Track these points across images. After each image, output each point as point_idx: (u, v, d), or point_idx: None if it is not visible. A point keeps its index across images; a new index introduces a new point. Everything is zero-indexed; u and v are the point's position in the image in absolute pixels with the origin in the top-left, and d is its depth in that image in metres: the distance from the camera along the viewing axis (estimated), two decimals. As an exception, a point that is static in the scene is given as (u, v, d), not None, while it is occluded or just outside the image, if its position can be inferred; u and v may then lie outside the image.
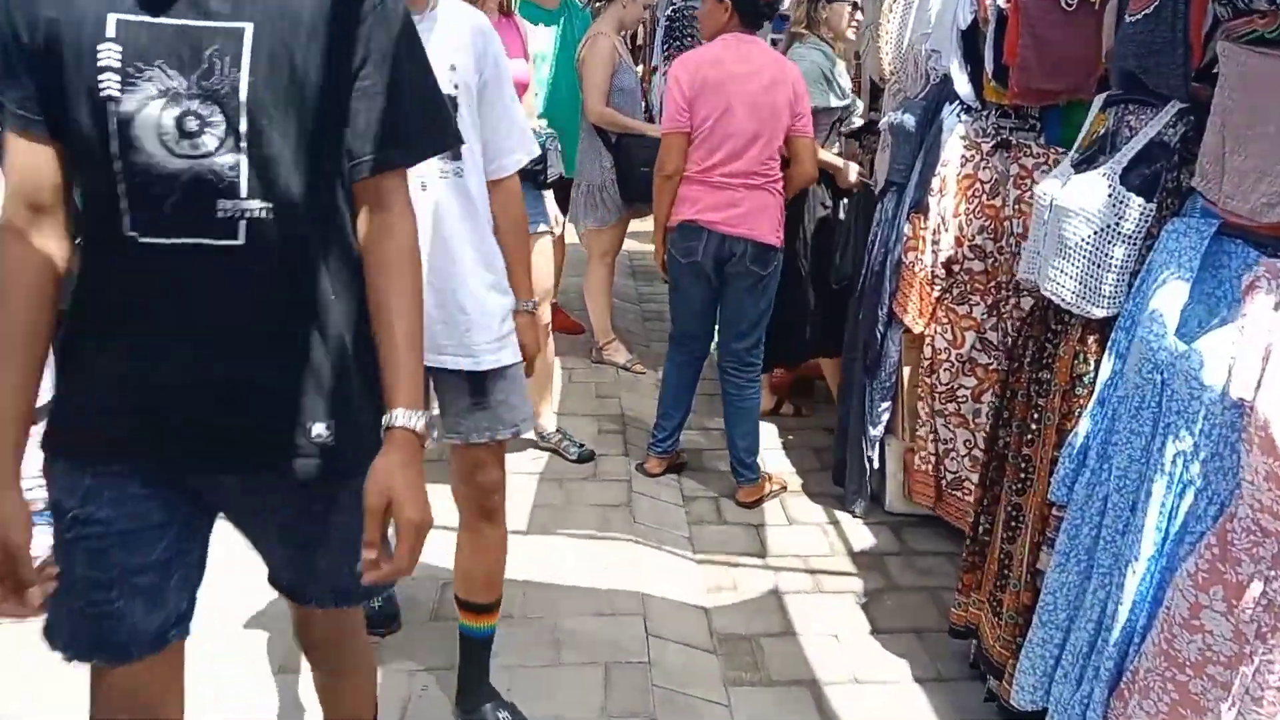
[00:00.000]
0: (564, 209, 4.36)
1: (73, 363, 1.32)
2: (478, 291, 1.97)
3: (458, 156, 1.91)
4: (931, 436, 3.18)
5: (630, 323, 5.32)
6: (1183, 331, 1.83)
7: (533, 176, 2.95)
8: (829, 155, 3.71)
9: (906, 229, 3.12)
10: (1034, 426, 2.21)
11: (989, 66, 2.85)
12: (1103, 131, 2.15)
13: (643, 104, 4.63)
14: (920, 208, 3.08)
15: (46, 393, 1.33)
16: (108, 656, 1.35)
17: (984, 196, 2.96)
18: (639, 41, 7.07)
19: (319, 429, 1.34)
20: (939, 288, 3.10)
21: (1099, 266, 2.01)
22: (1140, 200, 1.97)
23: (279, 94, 1.24)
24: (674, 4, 5.03)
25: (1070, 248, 2.04)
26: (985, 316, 3.04)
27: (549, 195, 3.44)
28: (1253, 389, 1.63)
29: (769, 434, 3.99)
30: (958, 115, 3.01)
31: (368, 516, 1.26)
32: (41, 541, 1.30)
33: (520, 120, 2.06)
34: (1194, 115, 1.95)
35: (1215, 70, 1.86)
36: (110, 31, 1.19)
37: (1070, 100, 2.72)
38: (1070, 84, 2.63)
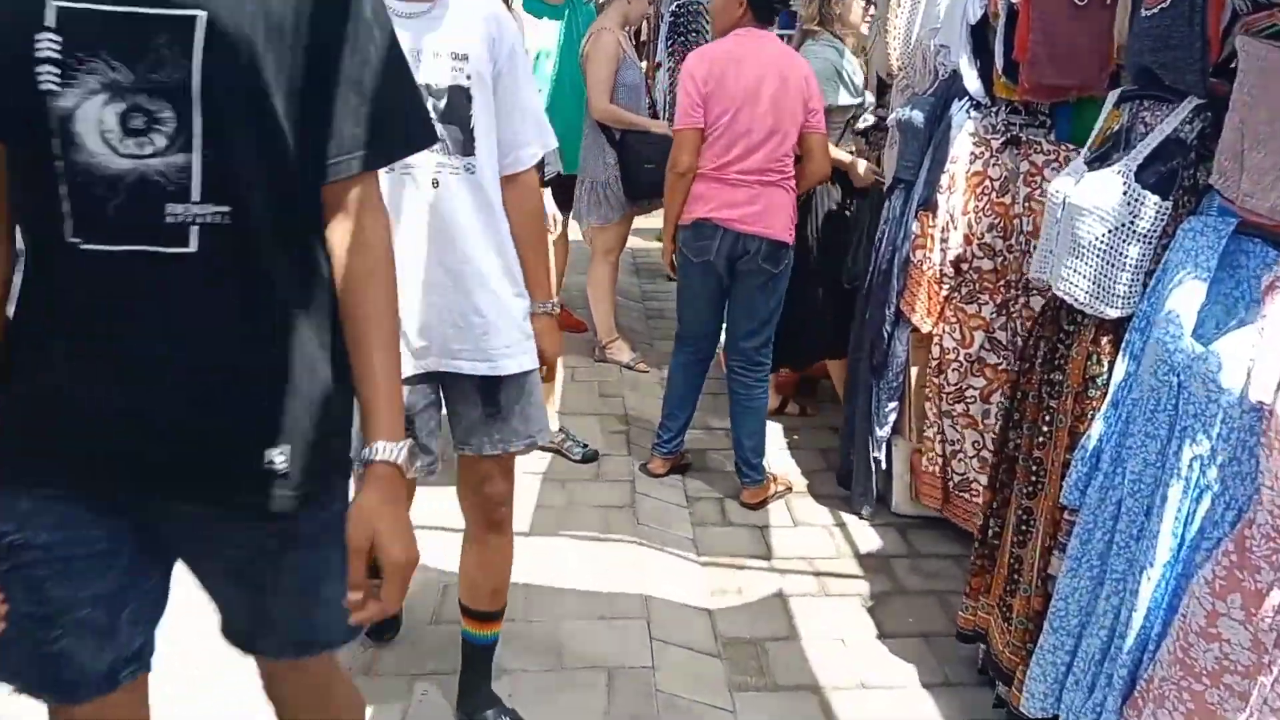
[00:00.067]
0: (566, 207, 4.33)
1: (11, 378, 1.22)
2: (496, 292, 1.89)
3: (470, 152, 1.83)
4: (939, 437, 3.14)
5: (634, 321, 5.29)
6: (1200, 333, 1.79)
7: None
8: (840, 153, 3.66)
9: (914, 227, 3.09)
10: (1045, 429, 2.18)
11: (999, 62, 2.82)
12: (1116, 128, 2.11)
13: (647, 100, 4.60)
14: (929, 205, 3.05)
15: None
16: (55, 697, 1.28)
17: (993, 194, 2.92)
18: (643, 37, 7.03)
19: (274, 455, 1.23)
20: (947, 286, 3.06)
21: (1113, 266, 1.98)
22: (1156, 198, 1.93)
23: (237, 89, 1.13)
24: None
25: (1084, 247, 2.00)
26: (994, 316, 3.00)
27: (547, 194, 3.39)
28: (1272, 392, 1.59)
29: (774, 434, 3.95)
30: (967, 111, 2.97)
31: (352, 556, 1.20)
32: None
33: (536, 110, 1.99)
34: (1211, 111, 1.91)
35: (1233, 65, 1.82)
36: (49, 20, 1.08)
37: (1081, 96, 2.68)
38: (1081, 80, 2.59)
